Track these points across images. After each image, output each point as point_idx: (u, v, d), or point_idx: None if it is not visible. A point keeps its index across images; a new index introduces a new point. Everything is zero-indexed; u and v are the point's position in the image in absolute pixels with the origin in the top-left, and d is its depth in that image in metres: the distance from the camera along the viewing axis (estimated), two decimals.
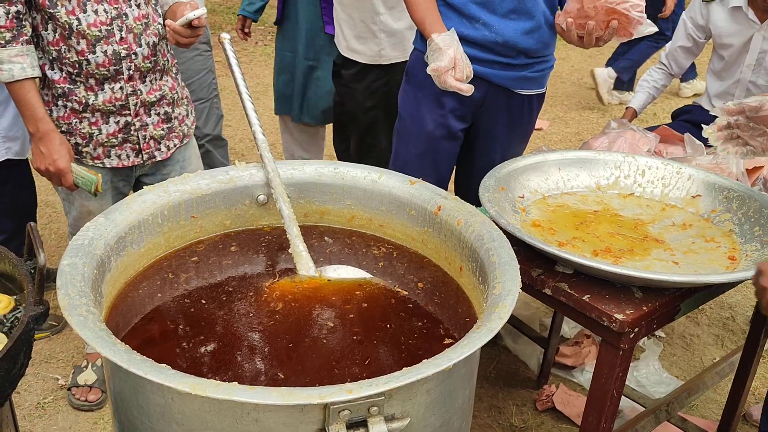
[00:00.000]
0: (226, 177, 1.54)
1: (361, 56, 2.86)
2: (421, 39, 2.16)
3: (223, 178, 1.54)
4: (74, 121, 2.05)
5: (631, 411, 2.49)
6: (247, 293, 1.39)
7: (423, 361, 1.00)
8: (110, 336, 1.02)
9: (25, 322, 1.13)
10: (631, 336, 1.46)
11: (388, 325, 1.31)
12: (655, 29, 1.96)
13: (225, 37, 1.64)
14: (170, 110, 2.18)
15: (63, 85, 2.00)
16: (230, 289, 1.40)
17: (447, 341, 1.27)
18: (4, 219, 2.67)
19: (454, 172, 2.48)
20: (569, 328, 2.97)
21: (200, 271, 1.45)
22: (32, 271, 1.28)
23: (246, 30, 3.51)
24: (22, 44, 1.88)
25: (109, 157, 2.11)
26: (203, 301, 1.36)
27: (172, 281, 1.40)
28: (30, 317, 1.14)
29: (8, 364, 1.09)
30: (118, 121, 2.07)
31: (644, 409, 2.30)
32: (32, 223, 1.26)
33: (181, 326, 1.30)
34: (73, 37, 1.93)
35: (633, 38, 1.98)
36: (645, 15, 1.95)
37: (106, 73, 1.99)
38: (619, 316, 1.43)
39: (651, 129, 2.59)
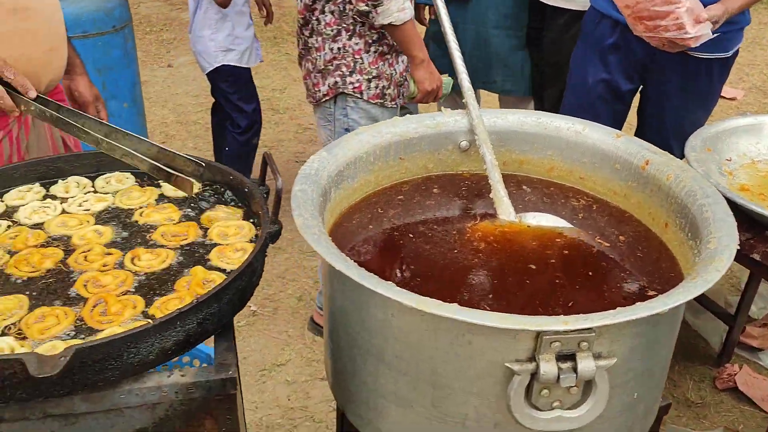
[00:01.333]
0: (433, 122, 1.61)
1: (572, 3, 2.86)
2: None
3: (429, 123, 1.61)
4: (380, 64, 2.38)
5: None
6: (450, 231, 1.46)
7: (637, 303, 1.02)
8: (341, 253, 1.13)
9: (264, 237, 1.28)
10: None
11: (590, 273, 1.33)
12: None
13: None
14: None
15: (379, 30, 2.34)
16: (434, 226, 1.48)
17: (650, 293, 1.27)
18: (240, 109, 3.40)
19: None
20: (757, 308, 2.81)
21: (406, 208, 1.54)
22: (266, 195, 1.43)
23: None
24: None
25: (400, 96, 2.49)
26: (410, 235, 1.45)
27: (381, 215, 1.50)
28: (267, 233, 1.29)
29: (250, 273, 1.24)
30: (403, 60, 2.44)
31: None
32: (268, 152, 1.40)
33: (390, 256, 1.40)
34: None
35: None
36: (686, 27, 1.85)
37: None
38: None
39: None
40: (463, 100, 1.62)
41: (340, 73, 2.39)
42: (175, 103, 5.10)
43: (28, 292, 1.23)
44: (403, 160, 1.60)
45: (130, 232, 1.42)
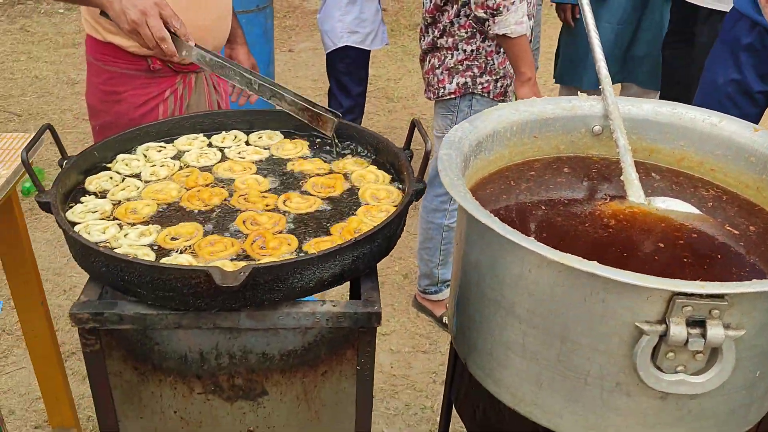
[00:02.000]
0: (569, 105, 1.69)
1: (724, 5, 2.86)
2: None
3: (565, 105, 1.68)
4: (507, 65, 2.45)
5: None
6: (580, 207, 1.53)
7: None
8: (485, 209, 1.23)
9: (410, 193, 1.39)
10: None
11: (719, 256, 1.38)
12: None
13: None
14: None
15: None
16: (566, 202, 1.55)
17: None
18: (347, 91, 3.53)
19: None
20: None
21: (537, 183, 1.62)
22: (410, 158, 1.55)
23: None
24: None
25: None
26: (542, 207, 1.53)
27: (513, 188, 1.59)
28: (414, 190, 1.40)
29: (397, 222, 1.36)
30: None
31: None
32: (416, 119, 1.52)
33: (523, 225, 1.48)
34: None
35: None
36: None
37: None
38: None
39: None
40: (600, 87, 1.68)
41: (471, 74, 2.47)
42: (295, 86, 5.33)
43: (200, 222, 1.40)
44: (537, 139, 1.68)
45: (283, 180, 1.57)
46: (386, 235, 1.32)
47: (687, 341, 1.08)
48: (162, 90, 1.95)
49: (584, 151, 1.73)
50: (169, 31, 1.64)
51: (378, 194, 1.49)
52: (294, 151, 1.66)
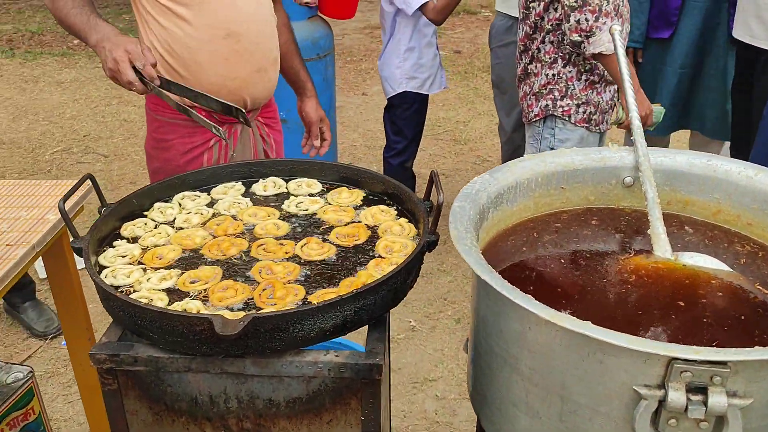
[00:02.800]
0: (599, 156, 1.66)
1: None
2: None
3: (595, 156, 1.66)
4: (589, 92, 2.53)
5: None
6: (602, 261, 1.49)
7: None
8: (487, 265, 1.23)
9: (422, 244, 1.40)
10: None
11: (742, 317, 1.31)
12: None
13: (616, 29, 1.76)
14: None
15: (591, 61, 2.49)
16: (587, 255, 1.52)
17: None
18: (403, 134, 3.63)
19: None
20: None
21: (561, 236, 1.59)
22: (429, 209, 1.56)
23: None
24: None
25: (604, 122, 2.62)
26: (561, 261, 1.51)
27: (535, 240, 1.57)
28: (425, 241, 1.41)
29: (405, 274, 1.37)
30: (610, 89, 2.55)
31: None
32: (435, 170, 1.54)
33: (540, 278, 1.47)
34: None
35: None
36: None
37: None
38: None
39: None
40: (632, 138, 1.65)
41: (552, 97, 2.58)
42: (365, 129, 5.44)
43: (221, 268, 1.46)
44: (565, 190, 1.66)
45: (305, 226, 1.61)
46: (392, 287, 1.34)
47: (687, 408, 1.04)
48: (206, 139, 2.05)
49: (615, 202, 1.69)
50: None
51: (393, 246, 1.51)
52: (350, 199, 1.71)
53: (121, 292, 1.37)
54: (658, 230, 1.52)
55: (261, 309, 1.32)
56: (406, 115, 3.54)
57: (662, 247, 1.50)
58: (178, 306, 1.32)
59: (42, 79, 6.43)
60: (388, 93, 3.54)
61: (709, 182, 1.60)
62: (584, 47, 2.40)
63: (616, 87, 2.65)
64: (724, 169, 1.58)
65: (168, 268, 1.46)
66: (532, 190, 1.62)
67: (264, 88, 2.14)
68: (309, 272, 1.44)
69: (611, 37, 1.76)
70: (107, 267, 1.45)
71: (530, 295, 1.14)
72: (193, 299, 1.35)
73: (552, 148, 2.61)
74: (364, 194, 1.73)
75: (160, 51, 2.00)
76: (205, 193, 1.74)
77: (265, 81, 2.13)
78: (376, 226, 1.61)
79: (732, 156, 3.24)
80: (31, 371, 1.99)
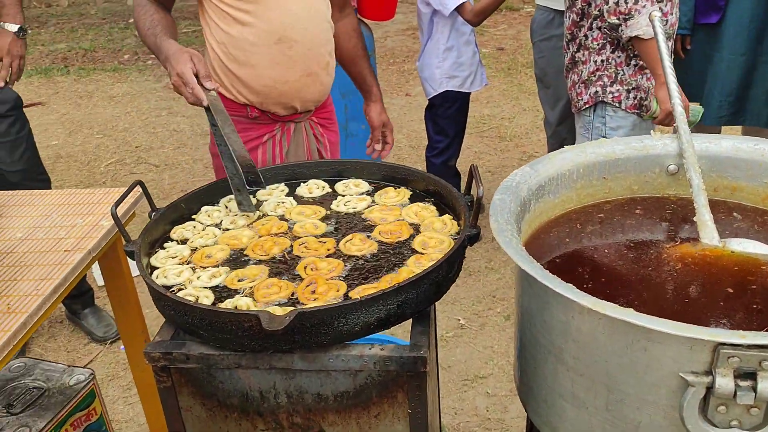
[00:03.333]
0: (640, 145, 1.64)
1: None
2: None
3: (637, 145, 1.64)
4: (639, 77, 2.49)
5: None
6: (647, 250, 1.48)
7: None
8: (528, 255, 1.23)
9: (463, 238, 1.41)
10: None
11: None
12: None
13: (655, 15, 1.73)
14: None
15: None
16: (632, 245, 1.50)
17: None
18: (445, 133, 3.64)
19: None
20: None
21: (605, 226, 1.58)
22: (470, 204, 1.57)
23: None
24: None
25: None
26: (606, 251, 1.49)
27: (579, 231, 1.57)
28: (466, 236, 1.42)
29: (447, 267, 1.38)
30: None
31: None
32: (474, 164, 1.54)
33: (584, 268, 1.46)
34: None
35: None
36: None
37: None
38: None
39: None
40: (675, 124, 1.63)
41: (602, 83, 2.55)
42: (410, 129, 5.46)
43: (268, 266, 1.49)
44: (607, 180, 1.65)
45: (345, 225, 1.64)
46: (434, 280, 1.35)
47: (735, 394, 1.03)
48: (260, 135, 2.14)
49: (660, 191, 1.67)
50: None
51: (429, 242, 1.52)
52: (396, 198, 1.73)
53: (172, 291, 1.41)
54: (704, 217, 1.50)
55: (303, 304, 1.34)
56: (448, 114, 3.54)
57: (709, 234, 1.47)
58: (228, 303, 1.36)
59: (95, 94, 6.65)
60: (429, 93, 3.56)
61: (757, 167, 1.56)
62: (621, 30, 2.37)
63: None
64: None
65: (216, 266, 1.50)
66: (574, 181, 1.61)
67: (315, 91, 2.19)
68: (351, 267, 1.47)
69: (650, 22, 1.73)
70: (158, 268, 1.50)
71: (574, 286, 1.14)
72: (243, 296, 1.38)
73: (605, 137, 2.57)
74: (411, 192, 1.75)
75: (218, 53, 2.09)
76: (252, 195, 1.79)
77: (316, 84, 2.17)
78: (419, 223, 1.62)
79: None
80: (92, 374, 2.07)
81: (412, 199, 1.73)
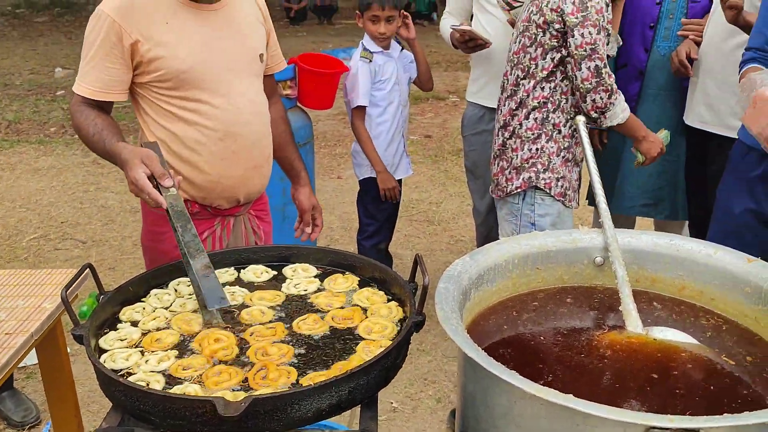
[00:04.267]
0: (569, 238, 1.78)
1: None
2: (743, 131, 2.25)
3: (566, 239, 1.78)
4: (565, 168, 2.75)
5: None
6: (579, 337, 1.59)
7: (745, 412, 1.10)
8: (474, 343, 1.31)
9: (409, 325, 1.48)
10: None
11: (712, 387, 1.40)
12: None
13: (580, 119, 1.92)
14: None
15: (569, 139, 2.76)
16: (564, 332, 1.61)
17: None
18: (375, 217, 3.70)
19: None
20: None
21: (539, 314, 1.69)
22: (414, 291, 1.65)
23: None
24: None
25: (575, 200, 2.86)
26: (541, 338, 1.59)
27: (515, 318, 1.66)
28: (413, 322, 1.49)
29: (395, 354, 1.44)
30: (576, 170, 2.84)
31: None
32: (419, 254, 1.63)
33: (521, 355, 1.55)
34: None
35: None
36: None
37: None
38: None
39: None
40: (600, 220, 1.78)
41: (535, 170, 2.72)
42: (341, 211, 5.56)
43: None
44: (540, 270, 1.77)
45: (299, 309, 1.69)
46: (384, 366, 1.40)
47: None
48: (200, 231, 2.12)
49: (588, 281, 1.80)
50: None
51: (373, 327, 1.58)
52: (345, 285, 1.78)
53: (121, 375, 1.41)
54: (628, 307, 1.63)
55: (254, 390, 1.37)
56: (375, 200, 3.67)
57: (633, 323, 1.60)
58: (177, 390, 1.37)
59: (18, 166, 6.48)
60: (358, 177, 3.70)
61: (673, 261, 1.72)
62: (601, 122, 2.63)
63: (580, 169, 2.80)
64: (686, 248, 1.70)
65: (165, 351, 1.51)
66: (510, 271, 1.73)
67: (258, 183, 2.23)
68: (301, 353, 1.51)
69: (577, 126, 1.92)
70: (106, 351, 1.49)
71: (516, 372, 1.22)
72: (192, 383, 1.39)
73: (533, 224, 2.73)
74: (359, 279, 1.81)
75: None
76: None
77: (260, 176, 2.22)
78: (369, 307, 1.68)
79: (692, 235, 3.39)
80: None
81: (361, 285, 1.79)
